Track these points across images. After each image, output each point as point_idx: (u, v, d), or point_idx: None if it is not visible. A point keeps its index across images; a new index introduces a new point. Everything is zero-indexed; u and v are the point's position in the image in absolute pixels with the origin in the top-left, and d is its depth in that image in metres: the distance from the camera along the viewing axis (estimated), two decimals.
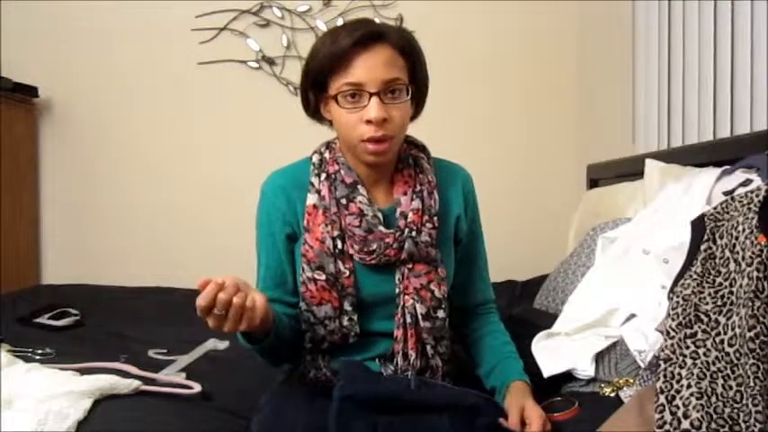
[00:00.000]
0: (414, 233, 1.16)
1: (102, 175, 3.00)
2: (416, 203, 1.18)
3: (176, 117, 2.98)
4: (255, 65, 2.96)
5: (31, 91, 2.86)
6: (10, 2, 2.89)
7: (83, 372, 1.27)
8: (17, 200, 2.82)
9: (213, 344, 1.68)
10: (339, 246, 1.16)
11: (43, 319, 1.88)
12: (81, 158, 3.00)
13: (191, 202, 2.98)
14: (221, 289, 0.97)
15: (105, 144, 2.99)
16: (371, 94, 1.10)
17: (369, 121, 1.11)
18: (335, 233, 1.16)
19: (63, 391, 1.15)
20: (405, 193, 1.20)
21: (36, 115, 2.96)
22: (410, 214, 1.18)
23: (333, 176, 1.20)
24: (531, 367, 1.23)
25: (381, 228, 1.16)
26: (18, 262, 2.80)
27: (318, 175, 1.20)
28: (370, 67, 1.11)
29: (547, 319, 1.44)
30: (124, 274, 2.76)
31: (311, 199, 1.19)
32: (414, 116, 1.24)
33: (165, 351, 1.59)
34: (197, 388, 1.27)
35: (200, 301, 0.97)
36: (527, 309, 1.79)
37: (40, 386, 1.17)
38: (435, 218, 1.20)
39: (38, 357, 1.49)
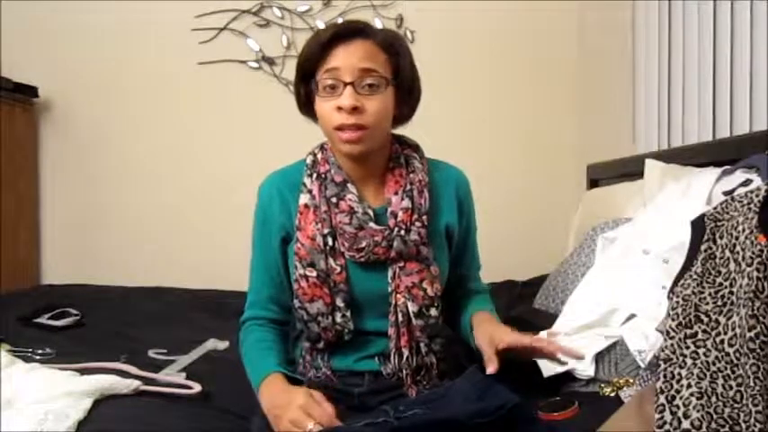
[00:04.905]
0: (403, 232, 1.17)
1: (102, 175, 3.00)
2: (406, 202, 1.19)
3: (176, 117, 2.98)
4: (255, 65, 2.96)
5: (31, 91, 2.86)
6: (10, 2, 2.89)
7: (83, 372, 1.27)
8: (17, 200, 2.82)
9: (213, 344, 1.68)
10: (330, 243, 1.17)
11: (43, 319, 1.87)
12: (81, 158, 3.00)
13: (190, 201, 2.98)
14: None
15: (105, 144, 2.99)
16: (346, 84, 1.14)
17: (340, 108, 1.14)
18: (326, 230, 1.18)
19: (63, 391, 1.15)
20: (396, 193, 1.21)
21: (36, 115, 2.96)
22: (400, 213, 1.18)
23: (323, 176, 1.22)
24: (531, 367, 1.23)
25: (372, 224, 1.17)
26: (18, 262, 2.80)
27: (311, 176, 1.22)
28: (346, 56, 1.15)
29: (547, 319, 1.44)
30: (124, 274, 2.76)
31: (303, 199, 1.21)
32: (404, 117, 1.26)
33: (165, 351, 1.58)
34: (197, 388, 1.27)
35: None
36: (527, 309, 1.79)
37: (40, 386, 1.18)
38: (425, 216, 1.20)
39: (38, 357, 1.49)
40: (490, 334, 1.13)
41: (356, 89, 1.14)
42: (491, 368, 1.05)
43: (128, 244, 2.99)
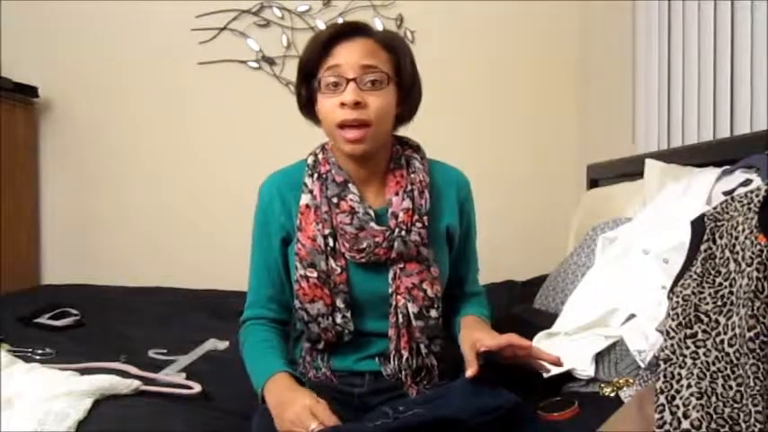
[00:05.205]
0: (403, 233, 1.17)
1: (102, 175, 3.00)
2: (407, 203, 1.19)
3: (176, 117, 2.98)
4: (255, 65, 2.96)
5: (31, 91, 2.86)
6: (10, 2, 2.89)
7: (83, 372, 1.27)
8: (17, 200, 2.82)
9: (213, 344, 1.68)
10: (330, 243, 1.18)
11: (43, 319, 1.87)
12: (81, 158, 3.00)
13: (190, 201, 2.98)
14: None
15: (105, 144, 3.00)
16: (348, 80, 1.14)
17: (343, 104, 1.14)
18: (327, 231, 1.18)
19: (63, 391, 1.15)
20: (396, 193, 1.21)
21: (36, 115, 2.96)
22: (401, 214, 1.18)
23: (324, 176, 1.22)
24: (532, 367, 1.23)
25: (373, 224, 1.17)
26: (18, 262, 2.80)
27: (312, 176, 1.23)
28: (348, 53, 1.16)
29: (547, 319, 1.44)
30: (124, 274, 2.76)
31: (304, 199, 1.21)
32: (405, 117, 1.26)
33: (165, 351, 1.58)
34: (197, 388, 1.27)
35: None
36: (527, 309, 1.78)
37: (40, 386, 1.18)
38: (426, 217, 1.20)
39: (38, 357, 1.49)
40: (472, 338, 1.12)
41: (359, 85, 1.14)
42: (469, 372, 1.05)
43: (128, 244, 2.99)
